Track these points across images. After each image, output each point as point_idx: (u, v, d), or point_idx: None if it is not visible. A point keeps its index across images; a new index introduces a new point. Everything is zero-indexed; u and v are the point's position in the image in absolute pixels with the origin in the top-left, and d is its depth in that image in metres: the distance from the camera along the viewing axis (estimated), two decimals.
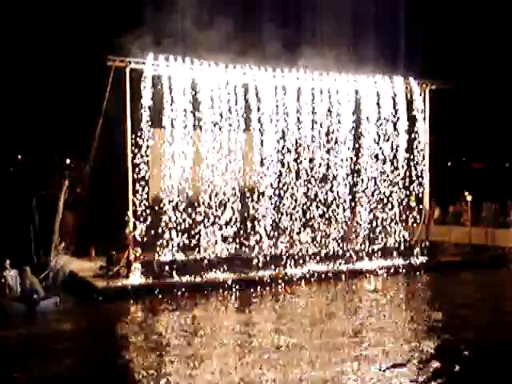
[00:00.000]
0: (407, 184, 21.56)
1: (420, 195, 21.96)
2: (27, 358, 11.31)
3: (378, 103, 21.17)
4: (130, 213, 17.93)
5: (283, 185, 19.80)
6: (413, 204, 21.60)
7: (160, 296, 16.26)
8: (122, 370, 10.81)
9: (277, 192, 19.74)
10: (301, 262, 19.19)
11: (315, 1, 25.72)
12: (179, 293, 16.54)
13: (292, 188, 19.88)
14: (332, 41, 21.80)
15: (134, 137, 17.84)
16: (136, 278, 17.19)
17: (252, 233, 19.30)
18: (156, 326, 13.90)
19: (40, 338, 12.69)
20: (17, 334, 13.00)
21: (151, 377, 10.23)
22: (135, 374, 10.48)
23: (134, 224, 17.89)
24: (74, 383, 10.36)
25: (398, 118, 21.41)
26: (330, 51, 20.25)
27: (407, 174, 21.58)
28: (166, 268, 17.53)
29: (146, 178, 17.93)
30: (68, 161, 23.71)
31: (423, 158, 22.08)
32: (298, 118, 20.02)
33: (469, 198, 23.84)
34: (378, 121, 21.15)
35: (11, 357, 11.49)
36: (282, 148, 19.81)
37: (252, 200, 19.49)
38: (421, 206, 22.16)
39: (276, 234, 19.69)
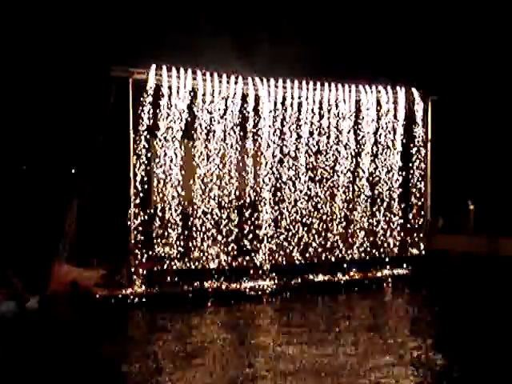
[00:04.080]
0: (410, 194, 21.62)
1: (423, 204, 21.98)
2: None
3: (380, 113, 21.20)
4: (131, 222, 17.98)
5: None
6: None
7: (162, 305, 16.31)
8: None
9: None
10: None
11: (314, 12, 25.85)
12: (181, 301, 16.61)
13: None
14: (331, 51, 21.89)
15: (135, 147, 17.92)
16: (138, 287, 17.28)
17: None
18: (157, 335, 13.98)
19: None
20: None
21: None
22: None
23: (136, 233, 17.94)
24: None
25: (401, 129, 21.44)
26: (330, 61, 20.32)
27: (411, 184, 21.64)
28: (168, 277, 17.62)
29: (147, 188, 18.03)
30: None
31: (425, 168, 22.06)
32: (300, 127, 20.06)
33: (471, 207, 23.81)
34: (378, 131, 21.18)
35: None
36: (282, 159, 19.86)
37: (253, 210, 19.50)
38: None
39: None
